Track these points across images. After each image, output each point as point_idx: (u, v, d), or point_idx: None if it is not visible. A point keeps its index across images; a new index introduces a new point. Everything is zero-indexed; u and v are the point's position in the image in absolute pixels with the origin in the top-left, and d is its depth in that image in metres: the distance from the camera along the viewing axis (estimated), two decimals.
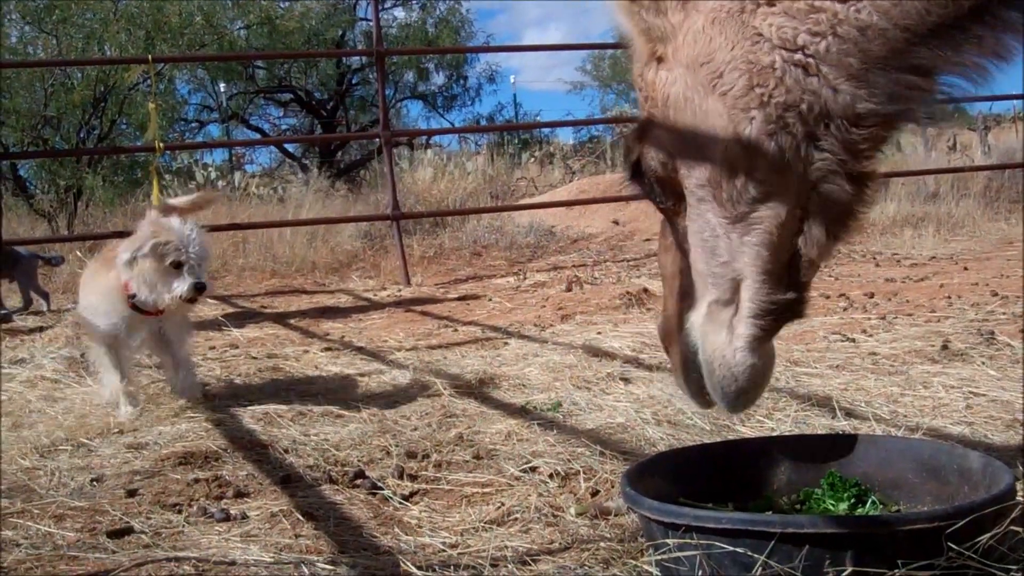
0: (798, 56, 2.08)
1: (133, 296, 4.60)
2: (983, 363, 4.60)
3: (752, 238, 2.23)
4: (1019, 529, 2.19)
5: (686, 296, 2.42)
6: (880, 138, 2.19)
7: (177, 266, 4.49)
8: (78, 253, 11.06)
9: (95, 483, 3.60)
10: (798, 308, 2.34)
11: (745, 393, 2.37)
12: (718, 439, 3.61)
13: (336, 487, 3.40)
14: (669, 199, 2.37)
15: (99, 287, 4.74)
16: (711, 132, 2.18)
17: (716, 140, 2.18)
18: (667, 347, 2.54)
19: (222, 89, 26.23)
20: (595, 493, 3.14)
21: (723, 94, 2.14)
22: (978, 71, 2.07)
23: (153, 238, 4.48)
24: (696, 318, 2.38)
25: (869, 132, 2.16)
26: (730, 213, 2.22)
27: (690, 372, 2.45)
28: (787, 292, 2.30)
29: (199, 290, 4.51)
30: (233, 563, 2.73)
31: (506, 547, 2.73)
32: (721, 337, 2.33)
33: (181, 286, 4.48)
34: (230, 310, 8.81)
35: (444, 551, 2.75)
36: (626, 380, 4.76)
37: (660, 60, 2.27)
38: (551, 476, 3.32)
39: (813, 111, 2.10)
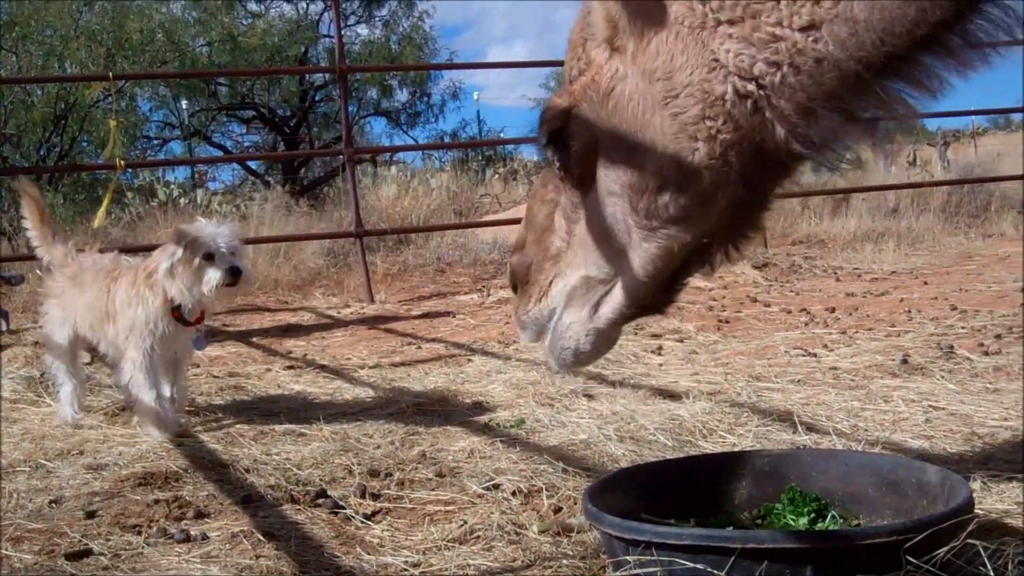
0: (751, 87, 2.11)
1: (178, 307, 4.59)
2: (942, 377, 4.64)
3: (651, 247, 2.31)
4: (976, 542, 2.21)
5: (555, 254, 2.50)
6: (790, 177, 2.30)
7: (209, 258, 4.48)
8: (37, 272, 10.93)
9: (54, 505, 3.56)
10: (665, 307, 2.48)
11: (575, 366, 2.56)
12: (680, 455, 3.62)
13: (297, 507, 3.38)
14: (575, 176, 2.40)
15: (140, 306, 4.64)
16: (651, 145, 2.21)
17: (654, 155, 2.21)
18: (516, 287, 2.63)
19: (184, 106, 26.09)
20: (558, 510, 3.14)
21: (673, 115, 2.17)
22: (906, 111, 2.12)
23: (183, 241, 4.50)
24: (564, 286, 2.47)
25: (787, 171, 2.23)
26: (640, 221, 2.28)
27: (540, 314, 2.54)
28: (660, 297, 2.43)
29: (234, 274, 4.48)
30: None
31: (468, 565, 2.72)
32: (582, 313, 2.45)
33: (215, 275, 4.46)
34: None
35: (406, 570, 2.74)
36: (589, 397, 4.77)
37: (616, 49, 2.28)
38: (514, 493, 3.32)
39: (751, 149, 2.15)
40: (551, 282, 2.51)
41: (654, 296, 2.44)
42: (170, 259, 4.49)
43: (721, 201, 2.22)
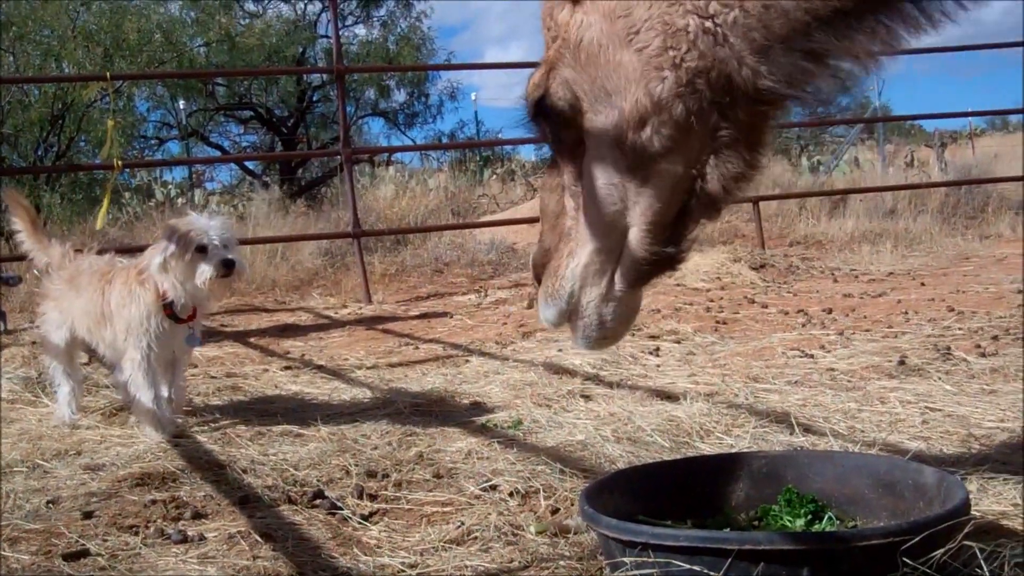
0: (708, 24, 2.15)
1: (170, 304, 4.58)
2: (940, 378, 4.65)
3: (648, 188, 2.32)
4: (973, 544, 2.21)
5: (567, 233, 2.51)
6: (775, 115, 2.28)
7: (202, 251, 4.48)
8: (35, 272, 10.93)
9: (51, 505, 3.56)
10: (676, 263, 2.47)
11: (606, 339, 2.54)
12: (677, 456, 3.63)
13: (295, 507, 3.38)
14: (567, 142, 2.41)
15: (133, 305, 4.64)
16: (623, 83, 2.23)
17: (627, 91, 2.23)
18: (538, 276, 2.63)
19: (182, 106, 26.02)
20: (555, 511, 3.15)
21: (638, 50, 2.21)
22: (868, 58, 2.15)
23: (175, 235, 4.51)
24: (577, 265, 2.47)
25: (767, 108, 2.24)
26: (631, 162, 2.29)
27: (560, 299, 2.54)
28: (668, 246, 2.41)
29: (227, 266, 4.47)
30: None
31: (466, 566, 2.72)
32: (599, 288, 2.45)
33: (208, 267, 4.45)
34: None
35: (404, 571, 2.74)
36: (587, 397, 4.77)
37: (576, 2, 2.31)
38: (511, 494, 3.32)
39: (721, 80, 2.18)
40: (564, 263, 2.52)
41: (664, 244, 2.42)
42: (163, 254, 4.49)
43: (698, 129, 2.24)
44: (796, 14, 2.08)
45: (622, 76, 2.23)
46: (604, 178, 2.34)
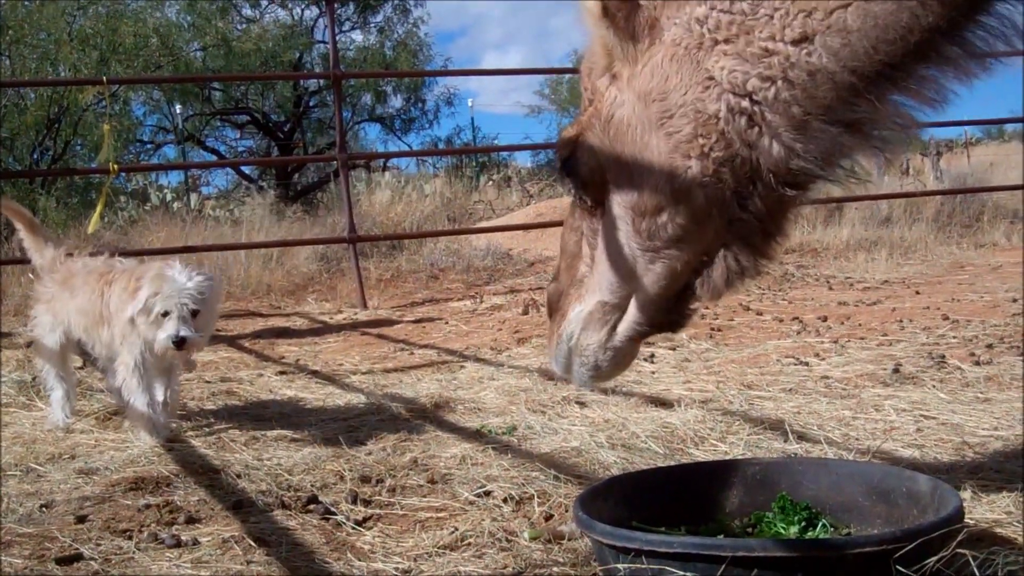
0: (745, 103, 2.15)
1: None
2: (934, 387, 4.65)
3: (657, 267, 2.39)
4: (966, 552, 2.21)
5: (579, 279, 2.59)
6: (799, 202, 2.31)
7: (166, 315, 4.39)
8: (30, 275, 10.91)
9: (44, 509, 3.55)
10: (676, 328, 2.58)
11: (598, 380, 2.67)
12: (672, 463, 3.63)
13: (289, 512, 3.38)
14: (590, 201, 2.48)
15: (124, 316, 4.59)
16: (648, 166, 2.26)
17: (649, 176, 2.27)
18: (551, 314, 2.72)
19: (178, 110, 26.03)
20: (549, 517, 3.14)
21: (668, 135, 2.22)
22: (911, 122, 2.15)
23: (146, 289, 4.40)
24: (581, 311, 2.57)
25: (793, 194, 2.25)
26: (643, 242, 2.37)
27: (562, 343, 2.64)
28: (670, 315, 2.51)
29: (175, 344, 4.35)
30: None
31: (459, 572, 2.72)
32: (599, 335, 2.55)
33: (161, 337, 4.37)
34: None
35: None
36: (581, 404, 4.77)
37: (614, 77, 2.32)
38: (505, 500, 3.32)
39: (745, 168, 2.19)
40: (571, 307, 2.61)
41: (665, 314, 2.53)
42: (133, 308, 4.43)
43: (716, 219, 2.26)
44: (842, 76, 2.08)
45: (647, 159, 2.27)
46: (616, 247, 2.41)
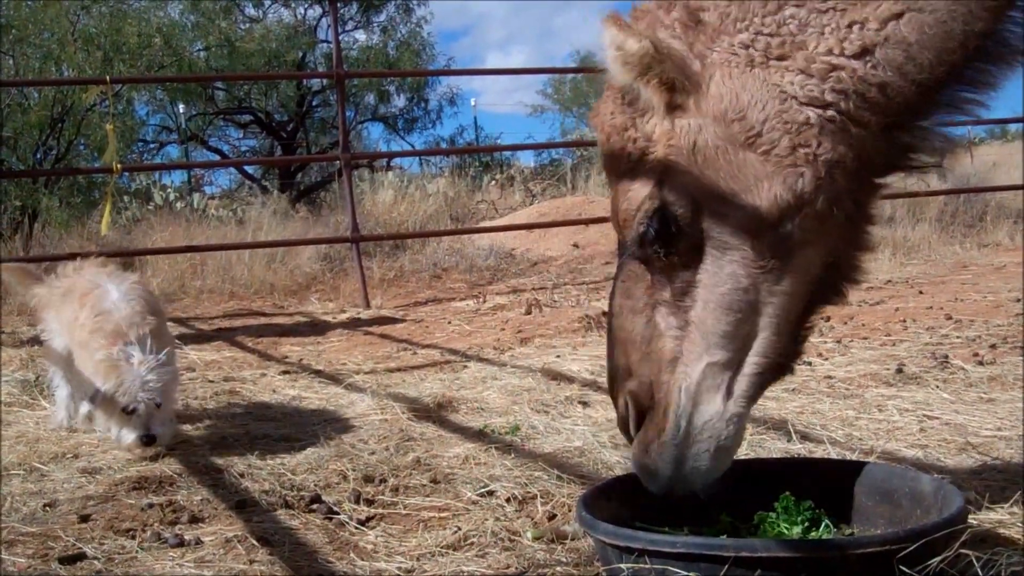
0: (830, 113, 2.18)
1: None
2: (937, 387, 4.65)
3: (782, 286, 2.29)
4: (970, 552, 2.21)
5: (670, 358, 2.39)
6: (883, 190, 2.37)
7: (129, 411, 4.21)
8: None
9: (48, 508, 3.55)
10: (792, 363, 2.44)
11: (712, 473, 2.44)
12: None
13: (292, 512, 3.38)
14: (681, 252, 2.33)
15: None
16: (751, 181, 2.22)
17: (760, 189, 2.22)
18: (639, 419, 2.48)
19: (181, 110, 26.06)
20: (552, 517, 3.14)
21: (765, 152, 2.20)
22: (973, 104, 2.28)
23: (104, 384, 4.21)
24: (688, 387, 2.36)
25: (884, 183, 2.30)
26: (765, 263, 2.27)
27: (668, 443, 2.43)
28: (795, 344, 2.40)
29: (144, 443, 4.20)
30: None
31: (462, 572, 2.72)
32: (716, 404, 2.35)
33: (128, 436, 4.21)
34: (187, 333, 8.75)
35: None
36: (584, 404, 4.77)
37: (678, 108, 2.28)
38: (508, 500, 3.32)
39: (853, 166, 2.21)
40: (672, 392, 2.38)
41: (788, 348, 2.39)
42: (88, 404, 4.29)
43: (838, 217, 2.26)
44: (911, 90, 2.17)
45: (749, 175, 2.23)
46: (732, 283, 2.30)
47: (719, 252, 2.31)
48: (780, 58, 2.20)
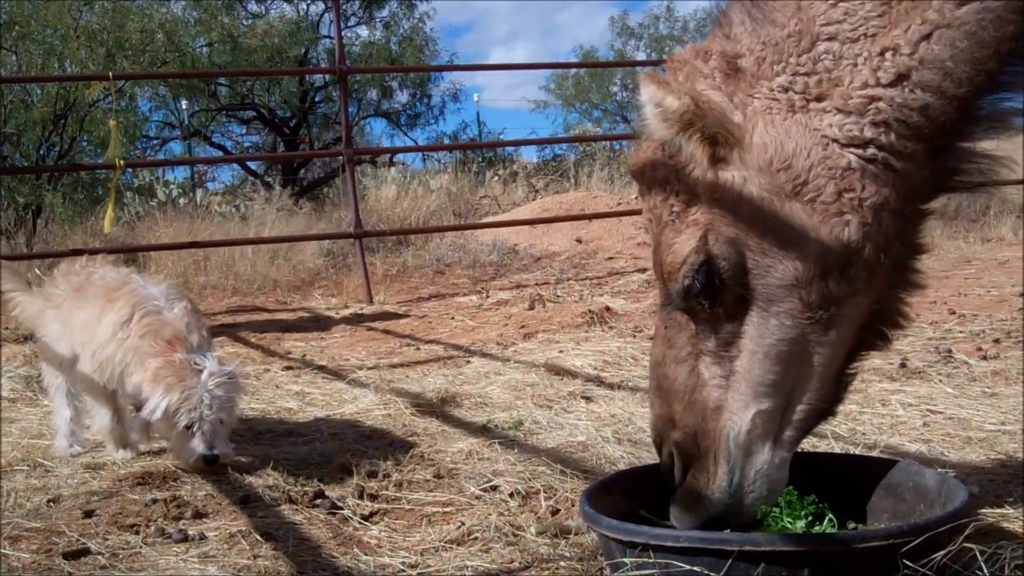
0: (871, 151, 2.17)
1: None
2: (941, 381, 4.64)
3: (829, 336, 2.28)
4: (973, 546, 2.21)
5: (715, 408, 2.38)
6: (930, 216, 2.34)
7: (190, 428, 3.90)
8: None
9: (52, 504, 3.56)
10: (836, 408, 2.46)
11: (759, 503, 2.44)
12: None
13: (295, 507, 3.38)
14: (726, 304, 2.32)
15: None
16: (797, 233, 2.21)
17: (806, 241, 2.20)
18: (685, 468, 2.47)
19: (184, 106, 26.05)
20: (555, 512, 3.14)
21: (810, 200, 2.19)
22: (1013, 114, 2.28)
23: (166, 396, 3.89)
24: (738, 435, 2.36)
25: (932, 208, 2.30)
26: (813, 314, 2.25)
27: (721, 491, 2.42)
28: (838, 391, 2.41)
29: (208, 463, 3.88)
30: None
31: (466, 567, 2.72)
32: (766, 453, 2.37)
33: (190, 455, 3.90)
34: None
35: (404, 571, 2.74)
36: (587, 399, 4.77)
37: (722, 161, 2.26)
38: (512, 495, 3.32)
39: (896, 206, 2.21)
40: (720, 441, 2.39)
41: (832, 394, 2.41)
42: (147, 417, 3.95)
43: (885, 263, 2.25)
44: (951, 106, 2.17)
45: (795, 226, 2.21)
46: (779, 334, 2.29)
47: (765, 304, 2.29)
48: (819, 98, 2.19)
